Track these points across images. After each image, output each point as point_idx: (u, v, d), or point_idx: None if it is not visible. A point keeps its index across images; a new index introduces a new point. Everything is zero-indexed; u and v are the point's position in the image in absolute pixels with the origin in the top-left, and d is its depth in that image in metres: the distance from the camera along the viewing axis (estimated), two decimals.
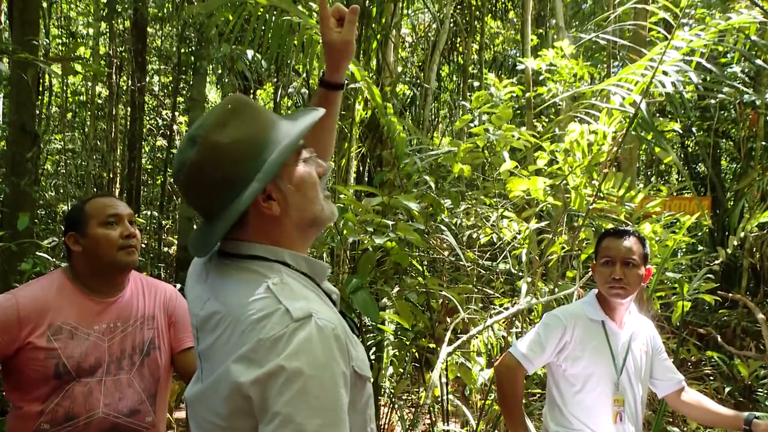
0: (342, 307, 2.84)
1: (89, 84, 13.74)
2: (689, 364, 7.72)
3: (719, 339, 4.44)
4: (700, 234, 9.42)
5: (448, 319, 4.62)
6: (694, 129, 10.01)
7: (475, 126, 4.91)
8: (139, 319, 2.56)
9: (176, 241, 11.95)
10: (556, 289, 4.86)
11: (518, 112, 8.21)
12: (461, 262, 5.08)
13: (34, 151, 7.87)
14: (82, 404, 2.35)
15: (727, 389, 7.45)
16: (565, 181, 4.66)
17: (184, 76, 13.34)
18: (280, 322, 1.36)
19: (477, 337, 4.75)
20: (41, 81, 12.13)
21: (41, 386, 2.32)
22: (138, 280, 2.66)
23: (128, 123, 11.78)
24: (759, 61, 4.62)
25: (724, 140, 11.56)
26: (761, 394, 7.40)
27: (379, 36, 6.66)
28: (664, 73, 4.01)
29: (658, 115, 9.82)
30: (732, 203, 10.45)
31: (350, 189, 3.60)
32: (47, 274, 2.58)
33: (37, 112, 9.44)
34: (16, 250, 5.51)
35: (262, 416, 1.34)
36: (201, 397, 1.52)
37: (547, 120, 7.82)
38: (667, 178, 14.53)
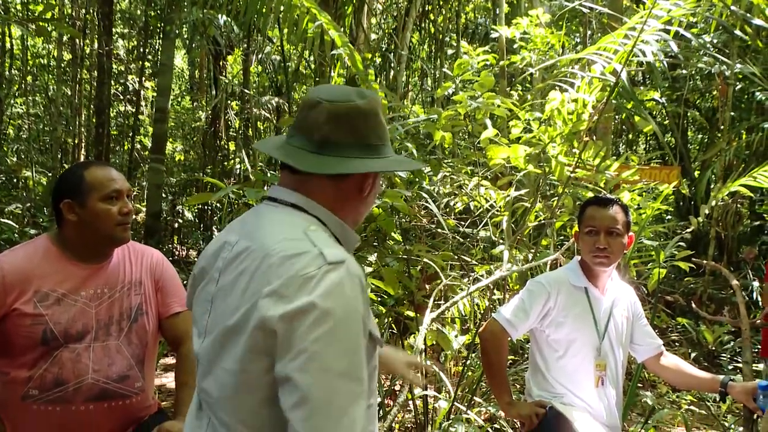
0: None
1: (50, 47, 13.43)
2: (657, 330, 7.90)
3: (693, 305, 4.53)
4: (667, 203, 9.62)
5: (427, 286, 4.65)
6: (663, 99, 10.13)
7: (455, 94, 4.90)
8: (126, 285, 2.56)
9: (144, 208, 11.82)
10: (532, 257, 4.91)
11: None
12: (440, 230, 5.11)
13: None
14: (71, 370, 2.34)
15: (692, 354, 7.67)
16: (543, 150, 4.69)
17: (151, 41, 13.09)
18: (313, 262, 1.39)
19: (454, 305, 4.79)
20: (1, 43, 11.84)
21: (28, 352, 2.31)
22: (125, 246, 2.63)
23: (93, 88, 11.55)
24: (738, 32, 4.66)
25: (691, 111, 11.71)
26: (724, 358, 7.63)
27: (354, 1, 6.61)
28: (645, 42, 4.04)
29: (633, 85, 9.91)
30: (699, 173, 10.63)
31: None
32: (32, 240, 2.55)
33: None
34: None
35: (284, 353, 1.34)
36: (213, 344, 1.50)
37: (521, 89, 7.85)
38: (635, 148, 14.70)
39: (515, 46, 6.99)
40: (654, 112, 12.28)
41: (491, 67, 5.81)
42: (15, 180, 12.03)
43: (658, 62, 4.09)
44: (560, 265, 4.04)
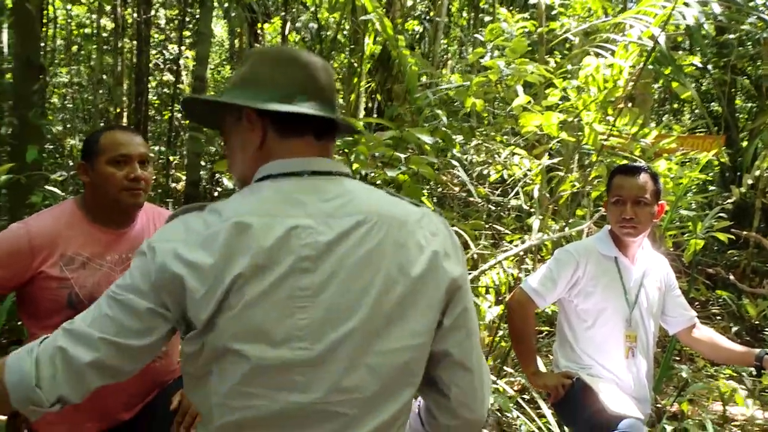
0: None
1: (94, 16, 13.54)
2: (698, 303, 7.75)
3: (732, 278, 4.42)
4: (711, 173, 9.37)
5: None
6: (709, 66, 9.81)
7: (488, 60, 4.81)
8: None
9: (184, 177, 11.94)
10: (567, 227, 4.83)
11: (530, 48, 8.07)
12: (471, 198, 5.05)
13: (40, 83, 7.82)
14: None
15: (734, 329, 7.50)
16: (578, 118, 4.58)
17: (190, 9, 13.11)
18: (440, 220, 1.50)
19: (486, 274, 4.75)
20: (45, 12, 11.96)
21: (55, 315, 2.32)
22: (149, 211, 2.62)
23: (135, 57, 11.64)
24: None
25: (739, 78, 11.35)
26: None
27: None
28: (685, 4, 3.90)
29: (674, 50, 9.63)
30: (746, 143, 10.33)
31: (361, 122, 3.55)
32: (59, 204, 2.56)
33: (42, 44, 9.32)
34: (25, 183, 5.50)
35: (454, 308, 1.44)
36: (363, 332, 1.37)
37: (560, 56, 7.68)
38: (679, 117, 14.35)
39: (554, 12, 6.84)
40: (699, 80, 11.95)
41: (529, 34, 5.69)
42: (60, 148, 12.22)
43: (699, 26, 3.94)
44: (589, 236, 3.97)
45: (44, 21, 10.27)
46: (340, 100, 10.50)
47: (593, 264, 2.98)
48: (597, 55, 4.57)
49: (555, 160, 5.11)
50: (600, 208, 5.76)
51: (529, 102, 4.71)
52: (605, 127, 4.51)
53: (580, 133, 4.62)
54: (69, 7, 13.31)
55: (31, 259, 2.31)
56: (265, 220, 1.38)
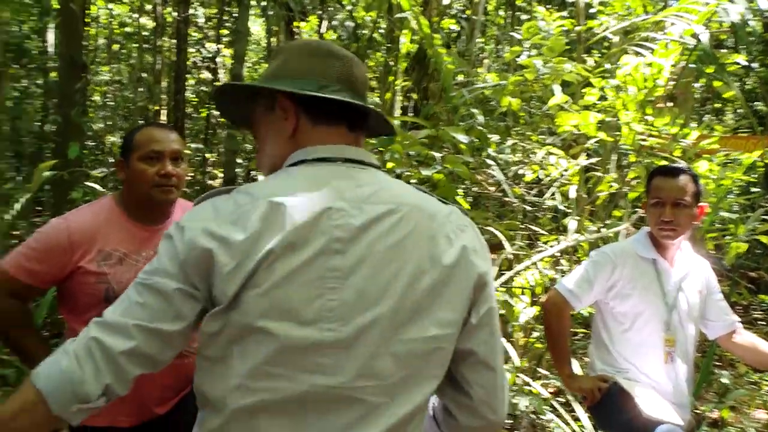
0: None
1: (135, 15, 13.73)
2: (739, 307, 7.59)
3: None
4: (754, 175, 9.17)
5: (493, 255, 4.57)
6: (755, 64, 9.58)
7: (525, 58, 4.75)
8: None
9: (221, 174, 12.04)
10: (603, 228, 4.76)
11: (568, 47, 7.96)
12: (507, 198, 4.99)
13: (83, 82, 7.95)
14: None
15: None
16: (616, 117, 4.50)
17: (228, 8, 13.22)
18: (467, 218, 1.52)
19: (521, 275, 4.70)
20: (88, 12, 12.14)
21: (92, 309, 2.33)
22: (185, 207, 2.62)
23: (174, 55, 11.76)
24: None
25: None
26: None
27: None
28: (730, 0, 3.80)
29: (717, 48, 9.43)
30: None
31: (396, 120, 3.53)
32: (98, 200, 2.58)
33: (85, 43, 9.47)
34: (67, 179, 5.61)
35: (481, 306, 1.45)
36: (392, 317, 1.36)
37: (598, 55, 7.57)
38: (722, 117, 14.07)
39: (593, 10, 6.73)
40: (743, 78, 11.69)
41: (567, 33, 5.61)
42: (101, 145, 12.40)
43: (744, 23, 3.84)
44: (627, 237, 3.90)
45: (87, 20, 10.42)
46: (376, 99, 10.50)
47: (631, 266, 2.92)
48: (637, 53, 4.48)
49: (592, 160, 5.03)
50: (638, 209, 5.67)
51: (567, 101, 4.64)
52: (644, 127, 4.43)
53: (618, 133, 4.54)
54: (111, 6, 13.51)
55: (71, 254, 2.34)
56: (299, 200, 1.37)
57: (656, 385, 2.88)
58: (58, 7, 8.82)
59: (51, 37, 10.61)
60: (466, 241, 1.43)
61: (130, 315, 1.39)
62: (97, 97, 13.51)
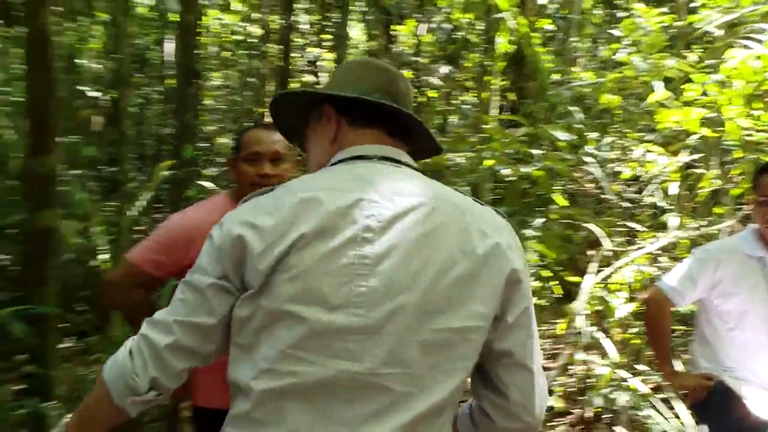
0: None
1: (244, 24, 14.08)
2: None
3: None
4: None
5: (591, 252, 4.44)
6: None
7: (623, 56, 4.59)
8: None
9: None
10: (704, 225, 4.55)
11: (668, 43, 7.63)
12: (604, 195, 4.84)
13: (196, 87, 8.22)
14: None
15: None
16: (719, 113, 4.28)
17: (329, 14, 13.35)
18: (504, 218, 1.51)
19: (619, 272, 4.55)
20: (200, 23, 12.53)
21: None
22: None
23: (281, 60, 11.99)
24: None
25: None
26: None
27: None
28: None
29: None
30: None
31: (496, 119, 3.48)
32: (213, 197, 2.64)
33: (198, 51, 9.78)
34: (182, 178, 5.83)
35: (516, 305, 1.41)
36: (419, 307, 1.34)
37: (701, 50, 7.24)
38: None
39: (694, 5, 6.44)
40: None
41: (667, 29, 5.40)
42: (212, 146, 12.77)
43: None
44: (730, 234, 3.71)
45: (200, 31, 10.75)
46: (473, 98, 10.38)
47: (736, 264, 2.77)
48: (744, 46, 4.24)
49: (693, 157, 4.81)
50: (742, 206, 5.39)
51: (667, 97, 4.45)
52: (751, 122, 4.19)
53: (721, 129, 4.32)
54: (222, 16, 13.91)
55: (187, 249, 2.38)
56: (333, 192, 1.40)
57: (764, 384, 2.73)
58: (176, 19, 9.16)
59: (169, 47, 11.03)
60: (501, 236, 1.41)
61: (172, 312, 1.46)
62: (208, 102, 13.92)
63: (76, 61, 11.23)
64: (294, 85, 12.77)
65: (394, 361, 1.32)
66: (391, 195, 1.40)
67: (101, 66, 12.26)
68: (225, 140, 12.36)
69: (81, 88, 10.81)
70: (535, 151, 2.91)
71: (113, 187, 9.03)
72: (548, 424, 4.34)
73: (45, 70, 5.14)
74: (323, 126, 1.57)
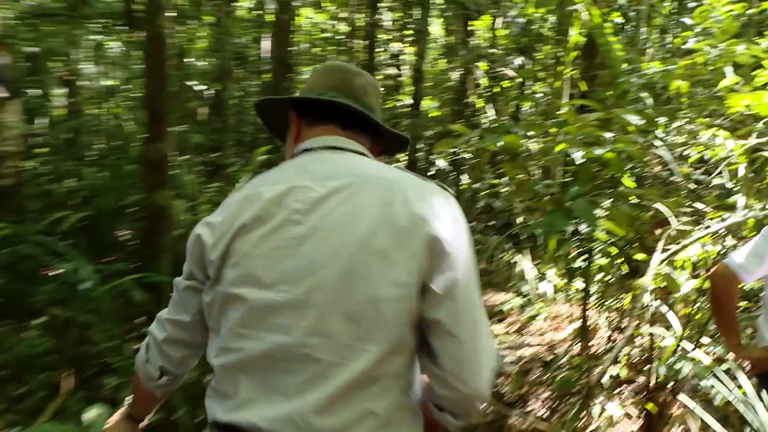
0: (561, 214, 2.66)
1: (332, 22, 14.22)
2: None
3: None
4: None
5: (658, 231, 4.31)
6: None
7: (693, 44, 4.40)
8: None
9: (405, 157, 12.26)
10: None
11: (739, 31, 7.27)
12: (672, 178, 4.67)
13: (289, 80, 8.36)
14: None
15: None
16: None
17: (410, 12, 13.34)
18: (442, 191, 1.44)
19: (684, 250, 4.40)
20: (292, 22, 12.70)
21: None
22: None
23: (366, 54, 12.05)
24: None
25: None
26: None
27: None
28: None
29: None
30: None
31: (570, 104, 3.41)
32: None
33: (291, 48, 9.92)
34: (276, 161, 5.96)
35: (443, 274, 1.33)
36: (339, 281, 1.32)
37: None
38: None
39: None
40: None
41: (738, 17, 5.14)
42: None
43: None
44: None
45: (293, 29, 10.90)
46: (546, 88, 10.16)
47: None
48: None
49: (762, 140, 4.58)
50: None
51: (738, 82, 4.25)
52: None
53: None
54: (313, 15, 14.06)
55: None
56: (272, 186, 1.43)
57: None
58: (272, 19, 9.33)
59: (265, 44, 11.22)
60: (426, 207, 1.35)
61: (166, 311, 1.60)
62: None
63: (185, 59, 11.59)
64: (378, 78, 12.84)
65: (319, 332, 1.32)
66: (324, 179, 1.41)
67: (206, 63, 12.65)
68: None
69: (189, 83, 11.15)
70: (607, 134, 2.83)
71: (216, 171, 9.33)
72: (614, 391, 4.27)
73: (159, 68, 5.34)
74: (292, 128, 1.60)
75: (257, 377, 1.37)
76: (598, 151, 2.75)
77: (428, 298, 1.32)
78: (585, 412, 3.78)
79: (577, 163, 3.11)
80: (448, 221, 1.36)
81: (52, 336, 4.58)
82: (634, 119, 2.87)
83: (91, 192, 7.27)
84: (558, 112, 3.21)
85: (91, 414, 3.22)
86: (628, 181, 4.10)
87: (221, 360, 1.42)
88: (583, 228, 4.14)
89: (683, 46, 4.85)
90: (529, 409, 4.24)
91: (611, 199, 3.77)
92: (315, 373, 1.32)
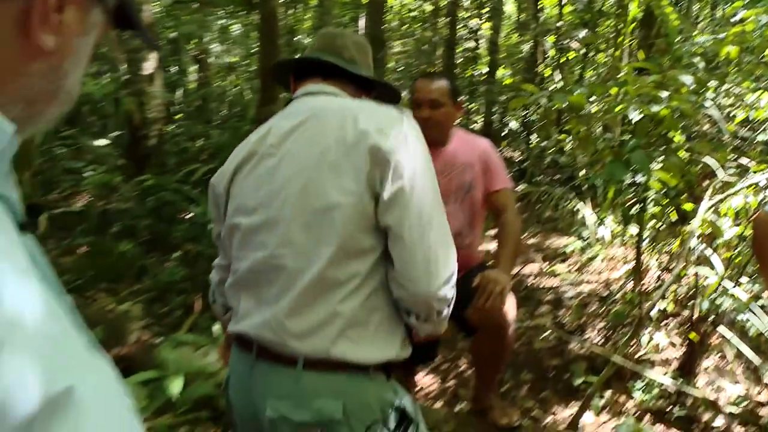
0: (619, 165, 2.65)
1: (419, 2, 14.08)
2: None
3: None
4: None
5: (705, 182, 4.19)
6: None
7: (743, 13, 4.17)
8: (461, 166, 2.51)
9: (480, 120, 12.17)
10: None
11: None
12: (720, 135, 4.50)
13: (382, 53, 8.39)
14: None
15: None
16: None
17: None
18: (393, 111, 1.40)
19: (729, 200, 4.26)
20: (386, 2, 12.66)
21: None
22: (460, 136, 2.61)
23: (448, 30, 11.89)
24: None
25: None
26: None
27: None
28: None
29: None
30: None
31: (630, 65, 3.35)
32: None
33: (384, 26, 9.93)
34: None
35: (390, 183, 1.29)
36: (300, 196, 1.32)
37: None
38: None
39: None
40: None
41: None
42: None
43: None
44: None
45: (385, 9, 10.88)
46: (607, 57, 9.77)
47: None
48: None
49: None
50: None
51: None
52: None
53: None
54: None
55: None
56: (259, 131, 1.48)
57: None
58: (366, 1, 9.35)
59: (362, 22, 11.26)
60: (372, 123, 1.31)
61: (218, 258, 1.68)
62: (391, 64, 14.14)
63: (293, 37, 11.78)
64: (458, 51, 12.70)
65: (285, 243, 1.31)
66: (294, 116, 1.42)
67: (311, 39, 12.80)
68: (403, 94, 12.53)
69: (297, 56, 11.34)
70: (663, 93, 2.77)
71: None
72: (661, 323, 4.24)
73: (272, 44, 5.55)
74: (291, 87, 1.60)
75: (251, 292, 1.39)
76: (655, 108, 2.71)
77: (380, 205, 1.28)
78: (635, 340, 3.79)
79: (635, 120, 3.08)
80: (394, 135, 1.30)
81: (187, 266, 4.88)
82: (688, 80, 2.80)
83: (216, 149, 7.65)
84: (618, 76, 3.16)
85: (216, 328, 3.45)
86: (680, 137, 3.99)
87: (229, 282, 1.48)
88: (639, 178, 4.08)
89: (732, 19, 4.60)
90: (586, 336, 4.28)
91: (664, 153, 3.70)
92: (285, 280, 1.30)
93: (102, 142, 7.00)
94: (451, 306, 1.39)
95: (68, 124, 7.92)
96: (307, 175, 1.31)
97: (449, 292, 1.34)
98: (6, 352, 0.46)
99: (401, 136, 1.31)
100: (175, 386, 2.13)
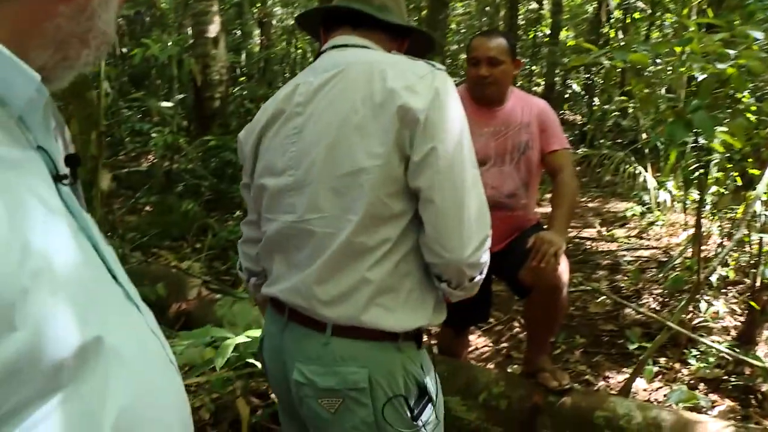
0: (680, 125, 2.51)
1: None
2: None
3: None
4: None
5: None
6: None
7: None
8: (517, 125, 2.45)
9: (542, 82, 11.80)
10: None
11: None
12: None
13: (444, 14, 8.27)
14: None
15: None
16: None
17: None
18: (426, 66, 1.28)
19: None
20: None
21: None
22: (517, 95, 2.54)
23: None
24: None
25: None
26: None
27: None
28: None
29: None
30: None
31: (696, 21, 3.14)
32: (461, 86, 2.52)
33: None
34: None
35: (421, 145, 1.21)
36: (327, 157, 1.25)
37: None
38: None
39: None
40: None
41: None
42: (457, 60, 12.81)
43: None
44: None
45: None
46: (673, 17, 9.25)
47: None
48: None
49: None
50: None
51: None
52: None
53: None
54: None
55: None
56: (286, 88, 1.39)
57: None
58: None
59: None
60: (400, 81, 1.21)
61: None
62: (453, 26, 13.87)
63: None
64: (521, 12, 12.30)
65: (314, 207, 1.26)
66: (321, 72, 1.33)
67: None
68: (463, 55, 12.36)
69: None
70: (731, 51, 2.59)
71: None
72: (721, 290, 4.08)
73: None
74: (322, 39, 1.49)
75: (282, 254, 1.36)
76: (720, 66, 2.54)
77: (410, 167, 1.21)
78: (692, 306, 3.66)
79: (699, 79, 2.89)
80: (424, 93, 1.21)
81: None
82: (758, 34, 2.60)
83: None
84: (684, 34, 2.96)
85: None
86: (748, 97, 3.74)
87: (261, 243, 1.44)
88: (702, 141, 3.87)
89: None
90: (642, 302, 4.17)
91: (730, 114, 3.48)
92: (314, 246, 1.27)
93: (167, 104, 7.19)
94: (484, 272, 1.31)
95: (135, 87, 8.19)
96: (334, 137, 1.25)
97: (483, 257, 1.27)
98: (35, 296, 0.45)
99: (432, 92, 1.21)
100: (233, 342, 2.20)
